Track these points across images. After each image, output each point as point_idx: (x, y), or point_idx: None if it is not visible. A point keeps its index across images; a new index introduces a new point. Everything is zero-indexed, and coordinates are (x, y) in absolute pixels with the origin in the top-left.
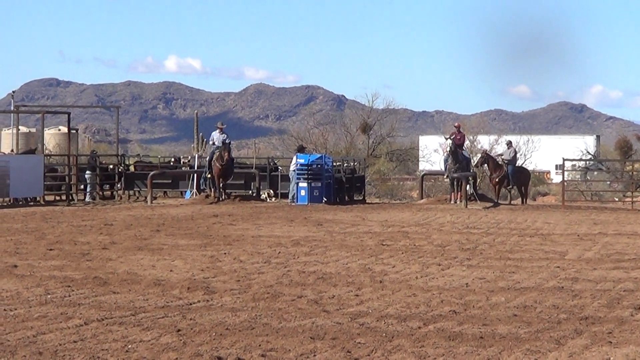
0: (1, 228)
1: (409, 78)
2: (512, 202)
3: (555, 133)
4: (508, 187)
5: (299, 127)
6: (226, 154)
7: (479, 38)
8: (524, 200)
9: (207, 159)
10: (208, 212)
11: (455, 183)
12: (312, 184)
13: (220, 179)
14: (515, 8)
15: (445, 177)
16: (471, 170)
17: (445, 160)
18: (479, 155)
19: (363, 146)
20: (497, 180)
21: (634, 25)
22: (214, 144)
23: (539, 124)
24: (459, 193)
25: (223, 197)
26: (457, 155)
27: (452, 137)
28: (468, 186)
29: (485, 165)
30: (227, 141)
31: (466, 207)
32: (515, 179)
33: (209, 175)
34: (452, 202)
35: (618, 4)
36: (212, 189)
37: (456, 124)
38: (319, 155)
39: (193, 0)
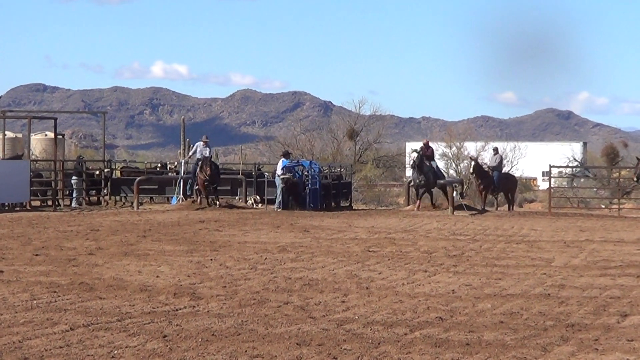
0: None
1: (396, 84)
2: (499, 208)
3: (542, 140)
4: (494, 194)
5: (286, 133)
6: (207, 169)
7: (466, 45)
8: (511, 206)
9: (192, 170)
10: (194, 218)
11: (419, 192)
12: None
13: (207, 188)
14: (502, 16)
15: (412, 185)
16: (439, 180)
17: (412, 172)
18: (469, 163)
19: (350, 152)
20: (482, 186)
21: (620, 32)
22: (195, 153)
23: (525, 131)
24: (419, 202)
25: (213, 202)
26: (422, 166)
27: (420, 152)
28: (455, 193)
29: (475, 173)
30: (207, 154)
31: (452, 213)
32: (501, 186)
33: (196, 187)
34: (416, 210)
35: (604, 11)
36: (199, 196)
37: (425, 141)
38: (305, 161)
39: (179, 6)
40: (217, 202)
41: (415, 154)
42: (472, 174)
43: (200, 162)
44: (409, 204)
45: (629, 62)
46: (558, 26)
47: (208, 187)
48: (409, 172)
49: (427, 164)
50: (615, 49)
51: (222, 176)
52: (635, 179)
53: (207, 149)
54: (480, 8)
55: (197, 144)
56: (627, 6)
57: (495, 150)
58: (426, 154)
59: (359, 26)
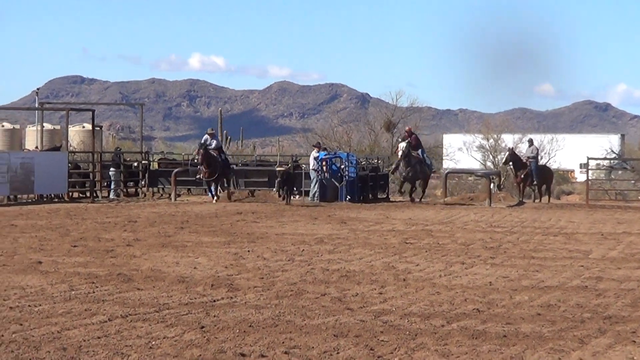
0: (26, 224)
1: (433, 76)
2: (536, 200)
3: (579, 132)
4: (533, 185)
5: (323, 125)
6: (202, 158)
7: (502, 37)
8: (548, 198)
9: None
10: (232, 209)
11: (405, 184)
12: (334, 181)
13: (212, 180)
14: (539, 11)
15: (399, 176)
16: (426, 172)
17: (398, 164)
18: (506, 154)
19: (387, 144)
20: (521, 178)
21: None
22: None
23: (563, 123)
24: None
25: (219, 194)
26: (409, 159)
27: (407, 141)
28: (492, 185)
29: (511, 163)
30: (208, 143)
31: (490, 205)
32: (539, 177)
33: (198, 177)
34: (414, 202)
35: None
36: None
37: (407, 128)
38: (342, 154)
39: (213, 2)
40: (220, 193)
41: (403, 144)
42: (504, 164)
43: (200, 157)
44: (446, 196)
45: None
46: (594, 18)
47: (211, 180)
48: (446, 164)
49: (414, 154)
50: None
51: (259, 168)
52: None
53: (214, 141)
54: (516, 9)
55: (204, 137)
56: None
57: (530, 141)
58: (411, 142)
59: (396, 18)
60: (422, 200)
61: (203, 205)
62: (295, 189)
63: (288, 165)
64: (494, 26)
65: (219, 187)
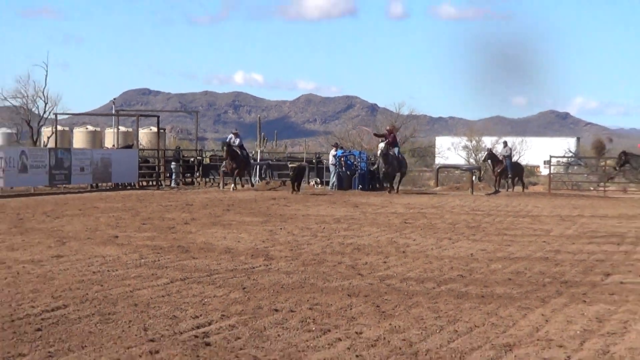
0: (105, 207)
1: (429, 90)
2: (509, 190)
3: (544, 135)
4: (507, 178)
5: (341, 129)
6: (232, 161)
7: (485, 59)
8: (522, 188)
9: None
10: (267, 195)
11: (385, 178)
12: (350, 174)
13: (235, 172)
14: (512, 37)
15: (380, 172)
16: (401, 167)
17: (378, 161)
18: (485, 153)
19: None
20: (498, 172)
21: (608, 47)
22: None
23: (531, 128)
24: (388, 186)
25: (237, 186)
26: (387, 157)
27: (386, 141)
28: (474, 177)
29: (489, 160)
30: (232, 141)
31: (472, 193)
32: (512, 171)
33: (223, 169)
34: (388, 192)
35: (598, 30)
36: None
37: (388, 127)
38: (357, 152)
39: (256, 27)
40: (241, 184)
41: (382, 145)
42: (484, 161)
43: (224, 152)
44: (437, 186)
45: (615, 73)
46: (561, 42)
47: (233, 174)
48: (437, 160)
49: (391, 153)
50: (605, 60)
51: (289, 163)
52: (617, 168)
53: (237, 139)
54: (494, 33)
55: (229, 136)
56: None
57: (505, 143)
58: (389, 140)
59: (399, 44)
60: (399, 191)
61: (245, 192)
62: (318, 179)
63: (299, 163)
64: (479, 51)
65: (239, 178)
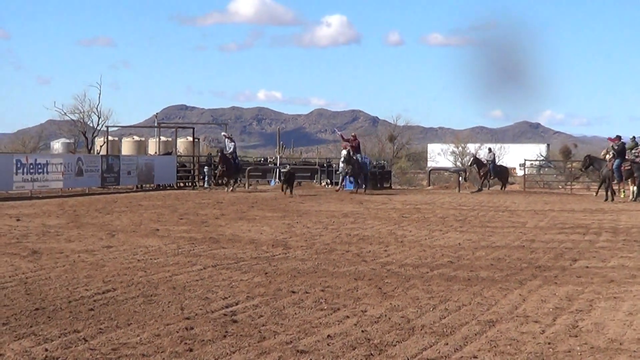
0: (148, 204)
1: (421, 104)
2: (490, 188)
3: (519, 142)
4: (491, 179)
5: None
6: (219, 159)
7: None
8: (503, 187)
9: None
10: (286, 194)
11: (344, 178)
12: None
13: (223, 177)
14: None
15: (340, 173)
16: (362, 170)
17: (342, 164)
18: (471, 158)
19: (390, 151)
20: (482, 174)
21: (572, 67)
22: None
23: (508, 136)
24: (341, 186)
25: (230, 189)
26: (349, 161)
27: (348, 147)
28: (460, 178)
29: (475, 165)
30: (230, 150)
31: (459, 192)
32: (496, 174)
33: (215, 172)
34: (338, 190)
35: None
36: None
37: (353, 134)
38: (361, 156)
39: (276, 53)
40: (232, 188)
41: (344, 152)
42: (470, 165)
43: (218, 158)
44: (429, 185)
45: (578, 89)
46: (532, 63)
47: (223, 178)
48: (429, 164)
49: (354, 157)
50: (570, 78)
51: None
52: (582, 169)
53: (232, 144)
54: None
55: (225, 141)
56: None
57: (490, 149)
58: (353, 145)
59: (397, 66)
60: (366, 191)
61: (266, 192)
62: (328, 180)
63: (290, 167)
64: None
65: (231, 182)
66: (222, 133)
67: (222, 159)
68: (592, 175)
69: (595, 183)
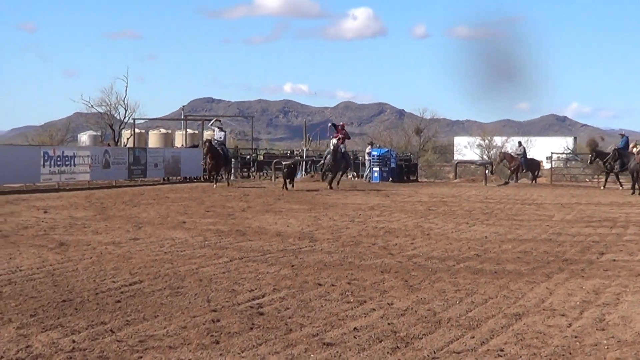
0: (175, 197)
1: (448, 96)
2: (518, 181)
3: (545, 135)
4: (522, 172)
5: (374, 130)
6: (206, 151)
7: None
8: (534, 180)
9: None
10: (311, 186)
11: (329, 175)
12: (382, 168)
13: (213, 171)
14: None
15: (322, 169)
16: (347, 165)
17: (327, 155)
18: (499, 154)
19: (416, 143)
20: (513, 168)
21: (600, 59)
22: (213, 131)
23: (535, 129)
24: (331, 182)
25: (219, 182)
26: (336, 154)
27: (338, 138)
28: (487, 171)
29: (504, 160)
30: (221, 139)
31: (485, 185)
32: (527, 167)
33: (202, 164)
34: (330, 188)
35: (591, 46)
36: (223, 177)
37: (341, 124)
38: (387, 149)
39: (302, 46)
40: (228, 182)
41: (334, 141)
42: (500, 161)
43: (205, 149)
44: (456, 178)
45: (605, 81)
46: (560, 55)
47: (212, 172)
48: (456, 157)
49: (342, 150)
50: (597, 71)
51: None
52: (611, 162)
53: (222, 133)
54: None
55: (214, 127)
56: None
57: (520, 143)
58: (341, 133)
59: (423, 58)
60: (338, 186)
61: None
62: (355, 173)
63: (292, 161)
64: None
65: (223, 175)
66: (213, 120)
67: (210, 150)
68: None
69: (623, 177)
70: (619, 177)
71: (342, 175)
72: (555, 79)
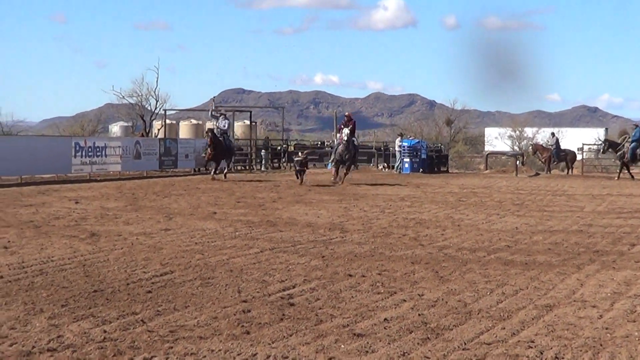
0: (205, 187)
1: (479, 87)
2: (548, 172)
3: (577, 126)
4: (554, 163)
5: (404, 122)
6: (209, 140)
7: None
8: (570, 171)
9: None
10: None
11: (339, 166)
12: (413, 159)
13: (211, 162)
14: (548, 43)
15: (331, 160)
16: (357, 158)
17: (338, 144)
18: (531, 146)
19: (447, 134)
20: (545, 159)
21: (632, 50)
22: (216, 119)
23: (565, 120)
24: (339, 174)
25: (216, 174)
26: (349, 144)
27: (349, 127)
28: (518, 162)
29: (537, 151)
30: (224, 127)
31: (516, 176)
32: (559, 158)
33: (203, 155)
34: (335, 180)
35: (623, 39)
36: (210, 169)
37: (346, 113)
38: (417, 140)
39: (333, 36)
40: (224, 174)
41: (347, 131)
42: (534, 154)
43: (208, 139)
44: (486, 169)
45: (636, 72)
46: (587, 48)
47: (211, 163)
48: (486, 148)
49: (354, 142)
50: (629, 62)
51: (361, 150)
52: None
53: (226, 121)
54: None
55: (219, 118)
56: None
57: (552, 134)
58: (349, 125)
59: (454, 49)
60: (345, 181)
61: (328, 175)
62: (385, 164)
63: (304, 154)
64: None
65: (219, 167)
66: (213, 108)
67: (213, 139)
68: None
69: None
70: (629, 167)
71: (350, 169)
72: (586, 71)
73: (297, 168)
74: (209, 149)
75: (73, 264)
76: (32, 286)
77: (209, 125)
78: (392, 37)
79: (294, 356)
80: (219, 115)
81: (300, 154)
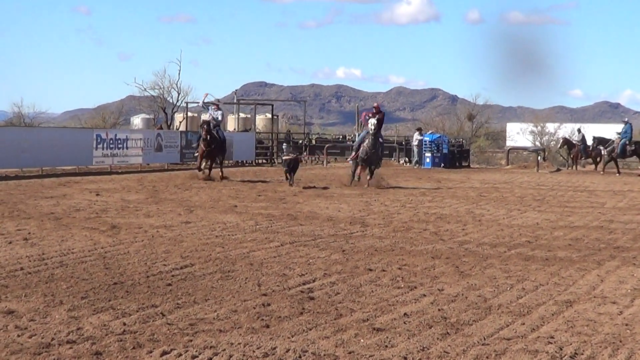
0: (227, 180)
1: (501, 82)
2: (575, 168)
3: (599, 122)
4: (582, 160)
5: (426, 116)
6: (204, 133)
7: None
8: (597, 167)
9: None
10: (366, 172)
11: (361, 164)
12: (434, 154)
13: (205, 159)
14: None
15: (352, 157)
16: (381, 157)
17: (363, 139)
18: (562, 138)
19: (468, 129)
20: (573, 155)
21: None
22: (207, 109)
23: (587, 116)
24: (361, 172)
25: (210, 175)
26: (377, 138)
27: (376, 118)
28: (539, 157)
29: (565, 146)
30: (219, 119)
31: (537, 171)
32: (586, 154)
33: (196, 154)
34: (355, 178)
35: None
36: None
37: (375, 104)
38: (439, 135)
39: (355, 30)
40: (204, 171)
41: (374, 120)
42: (560, 147)
43: (203, 132)
44: (508, 164)
45: None
46: (609, 45)
47: (208, 159)
48: (508, 143)
49: (380, 137)
50: None
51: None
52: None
53: (219, 112)
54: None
55: (210, 109)
56: None
57: (579, 130)
58: (378, 117)
59: (477, 44)
60: (370, 184)
61: (345, 169)
62: (407, 158)
63: (294, 154)
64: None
65: (212, 163)
66: (205, 99)
67: (208, 133)
68: None
69: None
70: (617, 162)
71: (375, 170)
72: (608, 67)
73: (286, 168)
74: (202, 144)
75: (93, 256)
76: (52, 278)
77: (204, 117)
78: (415, 31)
79: (313, 350)
80: (209, 105)
81: (286, 152)
